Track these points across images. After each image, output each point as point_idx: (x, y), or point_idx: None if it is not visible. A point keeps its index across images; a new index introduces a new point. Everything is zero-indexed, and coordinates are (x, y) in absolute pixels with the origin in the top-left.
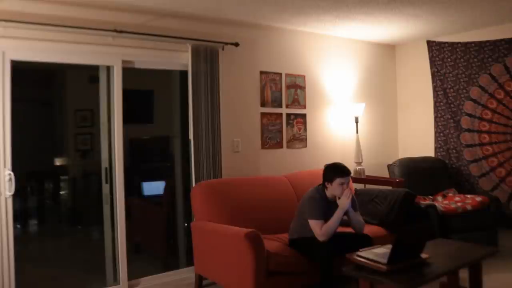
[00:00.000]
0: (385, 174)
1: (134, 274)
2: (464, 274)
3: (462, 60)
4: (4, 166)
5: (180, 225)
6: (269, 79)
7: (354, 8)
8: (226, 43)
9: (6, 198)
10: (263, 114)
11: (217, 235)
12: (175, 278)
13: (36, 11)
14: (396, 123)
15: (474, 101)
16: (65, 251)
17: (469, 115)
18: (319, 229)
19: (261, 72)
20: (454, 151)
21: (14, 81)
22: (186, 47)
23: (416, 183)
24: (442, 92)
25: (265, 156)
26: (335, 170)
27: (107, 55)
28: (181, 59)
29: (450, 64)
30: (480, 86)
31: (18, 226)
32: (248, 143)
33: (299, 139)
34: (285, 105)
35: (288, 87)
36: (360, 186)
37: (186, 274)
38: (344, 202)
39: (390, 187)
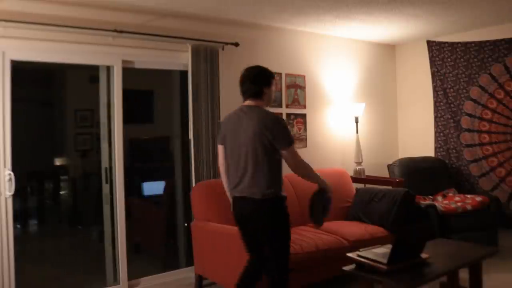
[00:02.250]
0: (385, 174)
1: (134, 274)
2: (464, 274)
3: (462, 60)
4: (4, 166)
5: (180, 225)
6: None
7: (354, 8)
8: (226, 43)
9: (6, 198)
10: None
11: (217, 235)
12: (175, 278)
13: (36, 11)
14: (396, 123)
15: (474, 101)
16: (65, 251)
17: (469, 115)
18: (298, 155)
19: None
20: (454, 151)
21: (14, 81)
22: (186, 47)
23: (416, 183)
24: (442, 92)
25: None
26: (266, 70)
27: (107, 55)
28: (181, 59)
29: (450, 64)
30: (480, 86)
31: (18, 226)
32: None
33: (299, 139)
34: (285, 105)
35: (288, 87)
36: (360, 186)
37: (186, 274)
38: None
39: (390, 187)
